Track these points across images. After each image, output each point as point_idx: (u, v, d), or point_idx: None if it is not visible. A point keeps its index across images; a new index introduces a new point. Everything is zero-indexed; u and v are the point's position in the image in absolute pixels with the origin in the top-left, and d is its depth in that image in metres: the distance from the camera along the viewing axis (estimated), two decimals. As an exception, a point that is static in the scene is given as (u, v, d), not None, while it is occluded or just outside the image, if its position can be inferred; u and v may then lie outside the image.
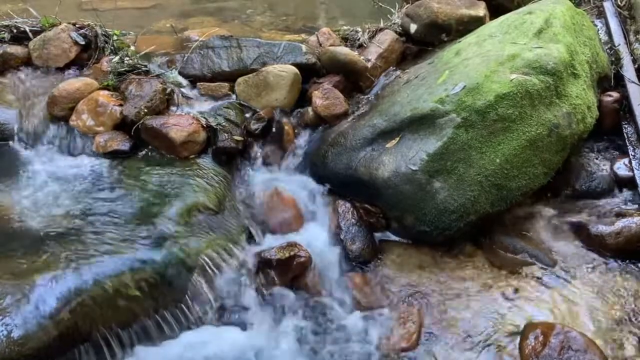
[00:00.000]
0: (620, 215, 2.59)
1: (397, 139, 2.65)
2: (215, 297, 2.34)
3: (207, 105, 2.97)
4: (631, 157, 2.80)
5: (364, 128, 2.77)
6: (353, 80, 3.09)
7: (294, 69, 2.95)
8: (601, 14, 3.43)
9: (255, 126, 2.87)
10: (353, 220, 2.63)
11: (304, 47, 3.07)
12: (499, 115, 2.53)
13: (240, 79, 3.00)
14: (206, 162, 2.77)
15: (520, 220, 2.68)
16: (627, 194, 2.74)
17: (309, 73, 3.04)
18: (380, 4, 3.59)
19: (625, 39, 3.23)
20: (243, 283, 2.40)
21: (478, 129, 2.52)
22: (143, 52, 3.13)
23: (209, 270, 2.33)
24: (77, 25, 3.21)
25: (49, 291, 2.04)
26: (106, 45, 3.18)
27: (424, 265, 2.55)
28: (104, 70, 3.07)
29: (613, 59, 3.13)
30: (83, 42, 3.15)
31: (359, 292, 2.44)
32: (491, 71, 2.61)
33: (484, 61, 2.69)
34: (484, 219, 2.56)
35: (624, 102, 2.98)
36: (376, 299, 2.43)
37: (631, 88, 2.99)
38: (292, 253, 2.44)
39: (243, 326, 2.32)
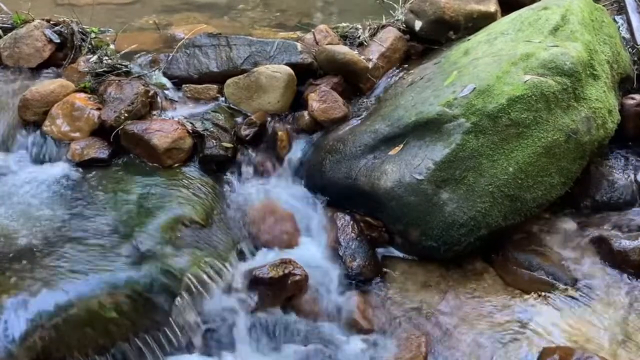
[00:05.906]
0: (645, 229, 2.59)
1: (401, 145, 2.64)
2: (202, 320, 2.32)
3: (193, 109, 2.96)
4: (656, 165, 2.80)
5: (364, 134, 2.76)
6: (353, 82, 3.09)
7: (289, 70, 2.94)
8: (622, 10, 3.43)
9: (246, 132, 2.86)
10: (353, 234, 2.62)
11: (299, 46, 3.06)
12: (511, 120, 2.52)
13: (229, 81, 3.00)
14: (192, 171, 2.76)
15: (536, 234, 2.68)
16: (652, 205, 2.74)
17: (305, 74, 3.04)
18: (382, -2, 3.59)
19: (649, 36, 3.23)
20: (232, 304, 2.38)
21: (489, 134, 2.52)
22: (124, 51, 3.13)
23: (195, 291, 2.31)
24: (51, 22, 3.21)
25: (19, 314, 2.02)
26: (83, 43, 3.18)
27: (430, 283, 2.55)
28: (81, 71, 3.07)
29: (635, 58, 3.13)
30: (58, 40, 3.14)
31: (359, 313, 2.43)
32: (503, 72, 2.61)
33: (496, 61, 2.69)
34: (496, 233, 2.56)
35: (648, 105, 2.98)
36: (378, 321, 2.42)
37: (655, 90, 3.00)
38: (286, 271, 2.43)
39: (232, 352, 2.30)
